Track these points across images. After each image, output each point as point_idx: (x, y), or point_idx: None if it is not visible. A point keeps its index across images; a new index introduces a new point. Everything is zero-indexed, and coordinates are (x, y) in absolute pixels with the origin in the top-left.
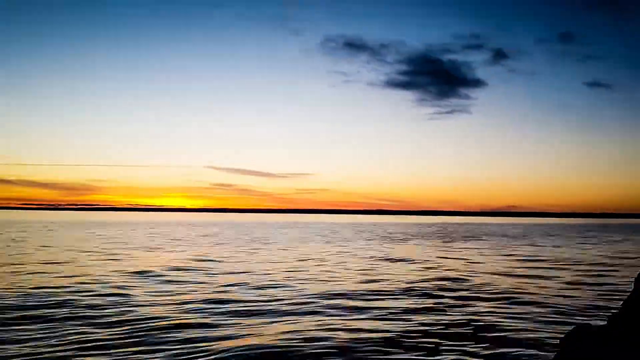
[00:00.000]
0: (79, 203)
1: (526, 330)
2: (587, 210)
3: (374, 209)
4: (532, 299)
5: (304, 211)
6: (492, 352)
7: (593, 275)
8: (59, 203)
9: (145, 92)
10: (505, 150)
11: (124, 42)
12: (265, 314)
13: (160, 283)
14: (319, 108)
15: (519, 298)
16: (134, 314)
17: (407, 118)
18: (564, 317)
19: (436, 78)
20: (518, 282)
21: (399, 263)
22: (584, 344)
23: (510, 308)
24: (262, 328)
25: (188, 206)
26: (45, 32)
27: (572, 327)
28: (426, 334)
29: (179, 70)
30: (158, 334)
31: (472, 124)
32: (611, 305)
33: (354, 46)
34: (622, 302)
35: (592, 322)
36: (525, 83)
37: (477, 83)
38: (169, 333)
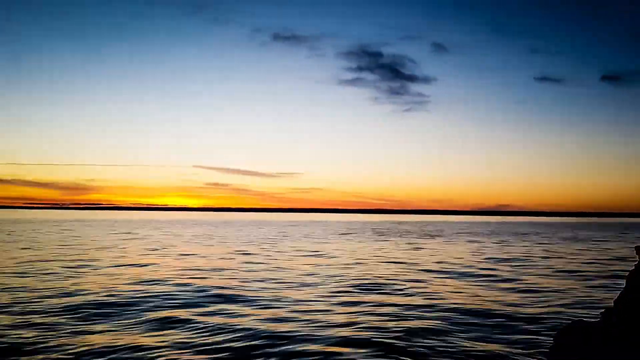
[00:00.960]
0: (81, 202)
1: None
2: (571, 209)
3: (371, 208)
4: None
5: (306, 210)
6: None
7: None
8: (62, 203)
9: (132, 92)
10: (493, 149)
11: (116, 44)
12: None
13: None
14: (285, 105)
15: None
16: None
17: (377, 114)
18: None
19: (385, 74)
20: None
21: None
22: (579, 338)
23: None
24: None
25: (191, 205)
26: (41, 33)
27: (568, 322)
28: None
29: (160, 71)
30: None
31: (434, 120)
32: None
33: (287, 39)
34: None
35: (586, 318)
36: (477, 78)
37: (426, 79)
38: None
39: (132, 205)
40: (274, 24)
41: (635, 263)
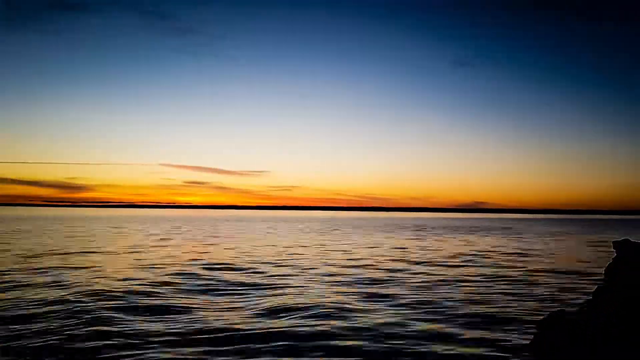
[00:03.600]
0: (76, 200)
1: None
2: (542, 207)
3: (354, 206)
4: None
5: (299, 208)
6: None
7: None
8: (55, 201)
9: (104, 93)
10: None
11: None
12: None
13: None
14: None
15: None
16: None
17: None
18: None
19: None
20: None
21: None
22: (559, 328)
23: None
24: None
25: (182, 202)
26: (31, 34)
27: (548, 312)
28: None
29: (136, 70)
30: None
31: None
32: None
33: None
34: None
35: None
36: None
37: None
38: None
39: (131, 203)
40: None
41: (613, 257)
